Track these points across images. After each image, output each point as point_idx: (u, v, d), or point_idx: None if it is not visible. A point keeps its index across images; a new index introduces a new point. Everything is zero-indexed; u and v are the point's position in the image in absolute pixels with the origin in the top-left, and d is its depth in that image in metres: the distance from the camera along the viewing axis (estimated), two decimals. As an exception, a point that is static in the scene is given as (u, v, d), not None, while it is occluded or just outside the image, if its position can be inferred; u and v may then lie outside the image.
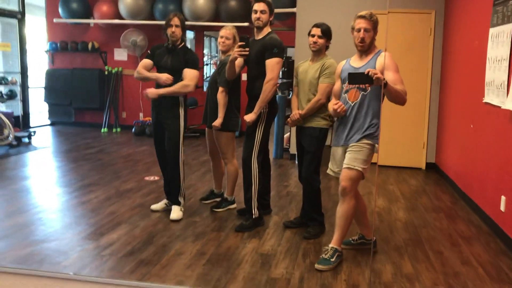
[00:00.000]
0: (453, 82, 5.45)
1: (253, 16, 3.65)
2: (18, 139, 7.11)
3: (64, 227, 3.69)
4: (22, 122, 8.55)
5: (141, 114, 9.02)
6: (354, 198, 3.11)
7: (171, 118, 3.88)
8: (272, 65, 3.57)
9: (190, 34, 8.68)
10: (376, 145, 3.11)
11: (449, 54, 5.72)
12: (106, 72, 8.97)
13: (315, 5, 6.26)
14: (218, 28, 4.27)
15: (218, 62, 4.17)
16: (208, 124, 4.12)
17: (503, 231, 3.61)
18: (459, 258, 3.30)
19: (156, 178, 5.22)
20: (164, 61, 3.88)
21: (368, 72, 2.78)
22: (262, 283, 2.84)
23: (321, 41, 3.58)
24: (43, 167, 5.78)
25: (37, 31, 9.55)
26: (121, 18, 8.45)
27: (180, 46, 3.91)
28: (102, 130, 8.81)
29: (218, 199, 4.38)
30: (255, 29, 3.72)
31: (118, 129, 8.94)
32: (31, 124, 8.89)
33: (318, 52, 3.63)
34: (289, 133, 6.86)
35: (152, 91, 3.84)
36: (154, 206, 4.13)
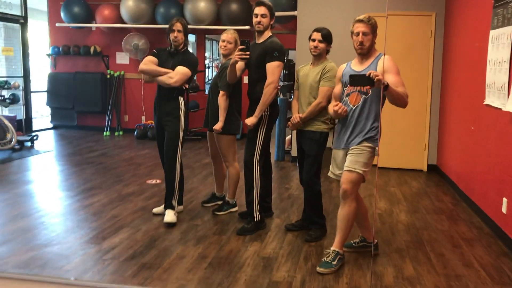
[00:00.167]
0: (454, 84, 5.46)
1: (254, 19, 3.66)
2: (20, 143, 7.14)
3: (66, 231, 3.70)
4: (24, 126, 8.59)
5: (143, 118, 9.05)
6: (355, 201, 3.12)
7: (172, 120, 3.89)
8: (273, 68, 3.58)
9: (191, 38, 8.71)
10: (377, 148, 3.12)
11: (449, 56, 5.72)
12: (108, 76, 9.00)
13: (316, 9, 6.28)
14: (220, 32, 4.30)
15: (220, 66, 4.18)
16: (210, 127, 4.13)
17: (504, 233, 3.60)
18: (461, 260, 3.30)
19: (158, 181, 5.23)
20: (165, 64, 3.90)
21: (370, 74, 2.78)
22: (264, 287, 2.84)
23: (321, 45, 3.59)
24: (45, 171, 5.80)
25: (40, 35, 9.60)
26: (123, 22, 8.49)
27: (182, 50, 3.93)
28: (104, 133, 8.84)
29: (219, 202, 4.39)
30: (256, 33, 3.73)
31: (120, 133, 8.96)
32: (34, 128, 8.93)
33: (319, 56, 3.64)
34: (290, 135, 6.87)
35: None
36: (156, 210, 4.14)
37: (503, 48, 3.70)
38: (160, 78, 3.83)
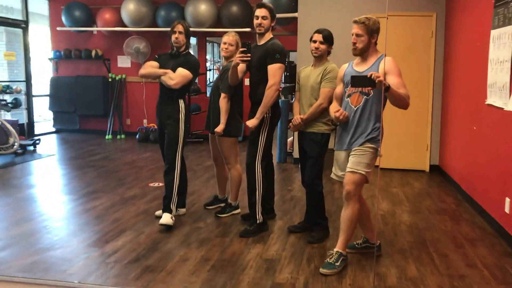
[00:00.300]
0: (455, 84, 5.45)
1: (255, 21, 3.66)
2: (23, 147, 7.16)
3: (69, 235, 3.71)
4: (27, 130, 8.62)
5: (145, 121, 9.07)
6: (358, 202, 3.11)
7: (171, 123, 3.89)
8: (274, 70, 3.59)
9: (192, 40, 8.72)
10: (379, 149, 3.12)
11: (451, 56, 5.72)
12: (109, 79, 9.02)
13: (316, 10, 6.29)
14: (220, 34, 4.30)
15: (221, 68, 4.19)
16: (211, 130, 4.13)
17: (508, 233, 3.60)
18: (464, 261, 3.29)
19: (161, 184, 5.24)
20: (166, 66, 3.91)
21: (371, 75, 2.78)
22: (267, 288, 2.84)
23: (322, 46, 3.60)
24: (48, 175, 5.81)
25: (41, 40, 9.63)
26: (124, 25, 8.51)
27: (184, 53, 3.94)
28: (107, 137, 8.85)
29: (222, 205, 4.39)
30: (257, 35, 3.74)
31: (123, 136, 8.98)
32: (36, 132, 8.96)
33: (320, 58, 3.64)
34: (292, 137, 6.87)
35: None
36: (158, 212, 4.14)
37: (504, 47, 3.69)
38: (162, 77, 3.85)
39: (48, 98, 9.32)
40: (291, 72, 7.11)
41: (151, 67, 3.92)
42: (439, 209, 4.57)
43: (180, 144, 3.90)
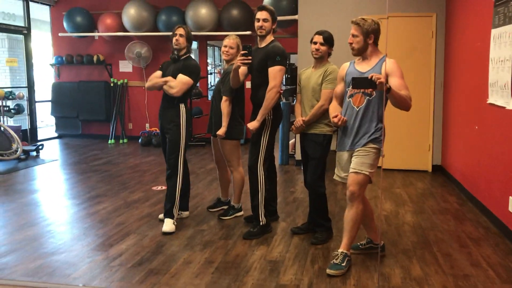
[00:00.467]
0: (456, 84, 5.45)
1: (256, 24, 3.68)
2: (26, 152, 7.18)
3: (73, 239, 3.71)
4: (30, 135, 8.65)
5: (147, 125, 9.09)
6: (362, 203, 3.12)
7: (172, 128, 3.89)
8: (275, 73, 3.59)
9: (193, 44, 8.74)
10: (382, 149, 3.13)
11: (451, 56, 5.72)
12: (111, 84, 9.05)
13: (316, 12, 6.31)
14: (221, 38, 4.32)
15: (222, 71, 4.20)
16: (213, 133, 4.15)
17: (512, 232, 3.60)
18: (468, 260, 3.29)
19: (164, 187, 5.24)
20: (168, 71, 3.93)
21: (372, 76, 2.79)
22: (271, 290, 2.85)
23: (323, 48, 3.61)
24: (51, 180, 5.83)
25: (43, 46, 9.68)
26: (125, 30, 8.55)
27: (184, 57, 3.95)
28: (109, 141, 8.88)
29: (225, 207, 4.40)
30: (258, 38, 3.75)
31: (125, 140, 9.00)
32: (39, 138, 8.99)
33: (321, 59, 3.66)
34: (294, 139, 6.88)
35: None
36: (162, 216, 4.14)
37: (505, 46, 3.70)
38: (164, 87, 3.86)
39: (50, 103, 9.35)
40: (292, 74, 7.12)
41: (155, 77, 3.96)
42: (442, 209, 4.57)
43: (181, 149, 3.90)
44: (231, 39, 4.09)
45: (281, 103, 6.49)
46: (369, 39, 3.07)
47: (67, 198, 5.00)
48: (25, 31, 8.66)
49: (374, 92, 3.02)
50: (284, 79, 7.27)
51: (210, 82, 10.27)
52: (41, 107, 9.43)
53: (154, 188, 5.32)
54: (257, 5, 3.78)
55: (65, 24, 8.73)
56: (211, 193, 5.10)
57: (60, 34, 8.93)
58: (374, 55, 3.13)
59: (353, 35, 3.08)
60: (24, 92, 8.56)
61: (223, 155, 4.16)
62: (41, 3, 8.98)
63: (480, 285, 2.89)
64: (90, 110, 9.11)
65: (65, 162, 7.03)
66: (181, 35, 3.88)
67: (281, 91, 7.29)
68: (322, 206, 3.75)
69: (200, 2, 8.00)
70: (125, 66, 9.07)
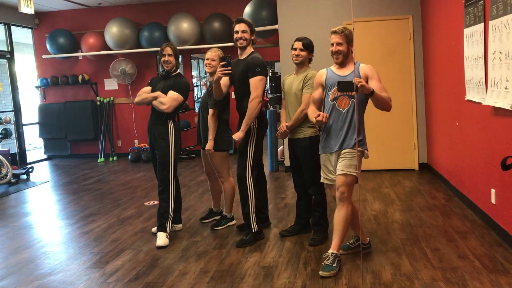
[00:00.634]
0: (436, 83, 5.60)
1: (235, 36, 3.78)
2: (16, 176, 7.19)
3: (69, 258, 3.75)
4: (19, 159, 8.64)
5: (136, 141, 9.13)
6: (351, 203, 3.22)
7: (162, 144, 3.95)
8: (256, 83, 3.69)
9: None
10: (366, 151, 3.25)
11: (430, 56, 5.88)
12: (98, 103, 9.10)
13: (295, 21, 6.44)
14: (204, 50, 4.40)
15: (208, 84, 4.27)
16: (203, 145, 4.22)
17: (496, 223, 3.71)
18: (456, 253, 3.39)
19: (156, 202, 5.30)
20: (157, 87, 3.99)
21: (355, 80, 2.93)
22: (266, 295, 2.91)
23: (303, 53, 3.73)
24: (43, 202, 5.85)
25: (27, 68, 9.70)
26: (108, 48, 8.61)
27: (174, 74, 4.03)
28: (99, 160, 8.90)
29: (217, 217, 4.46)
30: (238, 50, 3.85)
31: (115, 158, 9.03)
32: (28, 160, 8.98)
33: (301, 65, 3.77)
34: (282, 146, 6.98)
35: None
36: (155, 229, 4.19)
37: (477, 44, 3.84)
38: (153, 102, 3.93)
39: (38, 125, 9.36)
40: (276, 83, 7.23)
41: (144, 93, 4.01)
42: (430, 205, 4.68)
43: (172, 165, 3.96)
44: (213, 52, 4.19)
45: (267, 111, 6.61)
46: (350, 46, 3.22)
47: (60, 218, 5.03)
48: (8, 55, 8.69)
49: (356, 95, 3.14)
50: (269, 88, 7.38)
51: (197, 95, 10.35)
52: (29, 130, 9.43)
53: (146, 203, 5.37)
54: (238, 17, 3.89)
55: (48, 46, 8.78)
56: (203, 204, 5.16)
57: (44, 56, 8.97)
58: (351, 60, 3.26)
59: (338, 43, 3.20)
60: (11, 116, 8.57)
61: (213, 166, 4.23)
62: (23, 27, 9.02)
63: (467, 276, 2.99)
64: (78, 130, 9.14)
65: (56, 183, 7.05)
66: (170, 55, 3.96)
67: (267, 99, 7.40)
68: (324, 205, 3.84)
69: (181, 16, 8.10)
70: (111, 84, 9.13)
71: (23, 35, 9.38)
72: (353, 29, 3.25)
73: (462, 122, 4.55)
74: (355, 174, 3.17)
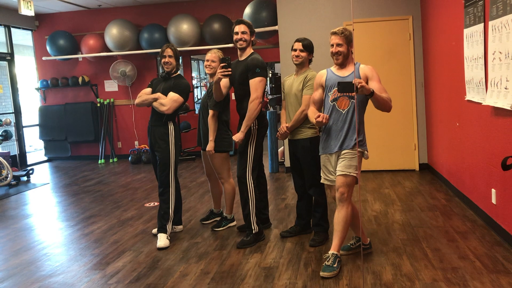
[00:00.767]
0: (436, 83, 5.60)
1: (235, 37, 3.78)
2: (16, 178, 7.19)
3: (70, 260, 3.75)
4: (19, 161, 8.64)
5: (136, 142, 9.14)
6: (351, 203, 3.22)
7: (162, 146, 3.96)
8: (255, 84, 3.69)
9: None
10: (366, 152, 3.25)
11: (430, 57, 5.88)
12: (98, 104, 9.10)
13: (295, 22, 6.45)
14: (204, 51, 4.41)
15: (208, 85, 4.28)
16: (203, 147, 4.22)
17: (496, 223, 3.70)
18: (456, 253, 3.38)
19: (156, 203, 5.30)
20: (158, 89, 4.00)
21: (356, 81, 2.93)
22: (267, 296, 2.91)
23: (303, 54, 3.73)
24: (44, 204, 5.85)
25: (27, 70, 9.71)
26: (108, 50, 8.62)
27: (174, 75, 4.04)
28: (99, 161, 8.90)
29: (218, 219, 4.46)
30: (238, 51, 3.85)
31: (115, 159, 9.03)
32: (29, 162, 8.98)
33: (301, 65, 3.77)
34: (283, 147, 6.98)
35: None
36: (155, 230, 4.19)
37: (477, 45, 3.84)
38: (154, 103, 3.93)
39: (38, 127, 9.37)
40: (276, 84, 7.24)
41: (144, 94, 4.01)
42: (431, 205, 4.68)
43: (172, 166, 3.97)
44: (212, 53, 4.19)
45: (267, 112, 6.62)
46: (350, 47, 3.22)
47: (60, 220, 5.03)
48: (8, 57, 8.70)
49: (355, 95, 3.15)
50: (269, 89, 7.40)
51: (197, 96, 10.36)
52: (29, 132, 9.44)
53: (147, 204, 5.38)
54: (238, 18, 3.90)
55: (48, 48, 8.79)
56: (203, 205, 5.16)
57: (44, 58, 8.98)
58: (351, 61, 3.26)
59: (338, 44, 3.20)
60: (11, 118, 8.58)
61: (213, 167, 4.23)
62: (23, 29, 9.03)
63: (468, 276, 2.99)
64: (78, 132, 9.15)
65: (57, 185, 7.05)
66: (170, 56, 3.96)
67: (267, 100, 7.42)
68: (325, 205, 3.84)
69: (181, 18, 8.11)
70: (111, 86, 9.13)
71: (23, 37, 9.39)
72: (353, 29, 3.25)
73: (462, 122, 4.55)
74: (355, 174, 3.17)
